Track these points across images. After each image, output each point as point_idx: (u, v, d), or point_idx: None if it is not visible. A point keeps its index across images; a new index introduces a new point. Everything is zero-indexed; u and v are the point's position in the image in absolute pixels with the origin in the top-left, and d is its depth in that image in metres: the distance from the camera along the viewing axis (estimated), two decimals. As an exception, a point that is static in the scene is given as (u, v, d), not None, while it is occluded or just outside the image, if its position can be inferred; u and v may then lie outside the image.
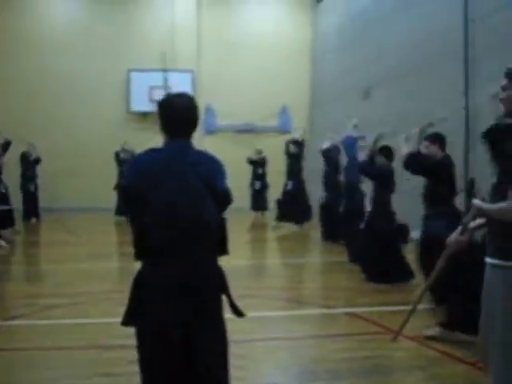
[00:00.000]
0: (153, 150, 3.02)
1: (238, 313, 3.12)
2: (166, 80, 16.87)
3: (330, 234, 11.23)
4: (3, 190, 12.00)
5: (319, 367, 4.80)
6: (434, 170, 6.08)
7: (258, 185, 16.04)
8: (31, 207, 15.23)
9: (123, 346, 5.30)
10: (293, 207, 13.51)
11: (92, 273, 8.82)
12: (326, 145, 11.68)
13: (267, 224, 15.23)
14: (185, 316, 2.89)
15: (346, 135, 10.34)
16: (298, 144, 13.76)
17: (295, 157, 13.64)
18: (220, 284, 3.05)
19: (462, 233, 3.31)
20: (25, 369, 4.82)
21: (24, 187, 15.09)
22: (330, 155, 11.42)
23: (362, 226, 8.27)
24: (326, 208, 11.46)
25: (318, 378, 4.60)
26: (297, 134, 14.49)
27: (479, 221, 3.22)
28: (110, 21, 18.69)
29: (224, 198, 3.06)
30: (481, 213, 3.05)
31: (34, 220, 15.19)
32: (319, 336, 5.77)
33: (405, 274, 7.75)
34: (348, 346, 5.37)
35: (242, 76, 18.99)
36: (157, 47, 18.61)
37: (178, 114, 2.99)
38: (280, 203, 13.91)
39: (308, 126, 19.14)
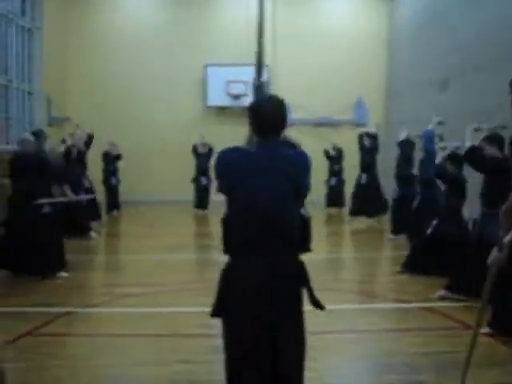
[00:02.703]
0: (241, 149, 3.11)
1: (319, 306, 3.19)
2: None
3: (401, 228, 11.11)
4: (88, 185, 12.50)
5: (395, 360, 4.81)
6: (493, 168, 6.18)
7: (333, 181, 16.00)
8: (113, 200, 15.75)
9: (202, 335, 5.49)
10: (366, 201, 13.45)
11: (169, 264, 9.04)
12: (402, 136, 11.54)
13: (343, 219, 15.19)
14: (268, 313, 2.98)
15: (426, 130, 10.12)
16: (372, 137, 13.66)
17: (369, 150, 13.54)
18: (301, 279, 3.11)
19: (500, 250, 3.21)
20: (106, 354, 5.06)
21: (106, 181, 15.63)
22: (404, 147, 11.29)
23: (429, 231, 8.07)
24: (397, 202, 11.36)
25: (394, 371, 4.60)
26: (372, 128, 14.38)
27: None
28: (187, 17, 18.98)
29: (304, 195, 3.12)
30: None
31: (115, 212, 15.67)
32: (394, 330, 5.77)
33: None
34: (424, 341, 5.35)
35: (318, 69, 18.93)
36: (233, 42, 18.78)
37: (266, 117, 3.07)
38: (354, 197, 13.87)
39: (384, 118, 18.94)
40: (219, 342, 5.28)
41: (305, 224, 3.10)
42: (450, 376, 4.51)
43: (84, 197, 10.86)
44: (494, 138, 6.43)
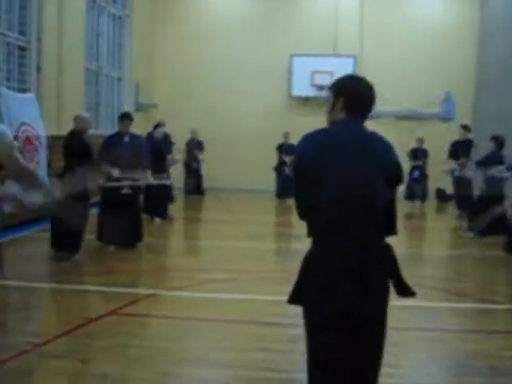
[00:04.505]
0: (327, 129, 2.95)
1: (409, 293, 2.98)
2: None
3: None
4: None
5: (479, 362, 4.65)
6: None
7: (416, 174, 15.60)
8: (194, 185, 15.98)
9: (281, 325, 5.50)
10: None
11: (250, 251, 9.08)
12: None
13: (426, 214, 14.85)
14: (350, 304, 2.74)
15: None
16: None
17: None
18: (391, 266, 2.89)
19: None
20: (186, 337, 5.16)
21: (188, 165, 15.86)
22: None
23: None
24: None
25: (478, 374, 4.44)
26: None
27: None
28: (273, 7, 18.95)
29: (398, 172, 2.93)
30: None
31: (195, 197, 15.84)
32: (478, 331, 5.57)
33: None
34: (510, 344, 5.15)
35: (405, 61, 18.49)
36: (319, 32, 18.64)
37: (357, 95, 2.92)
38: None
39: (472, 114, 18.35)
40: (298, 331, 5.29)
41: (391, 206, 2.90)
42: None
43: (164, 181, 10.90)
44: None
